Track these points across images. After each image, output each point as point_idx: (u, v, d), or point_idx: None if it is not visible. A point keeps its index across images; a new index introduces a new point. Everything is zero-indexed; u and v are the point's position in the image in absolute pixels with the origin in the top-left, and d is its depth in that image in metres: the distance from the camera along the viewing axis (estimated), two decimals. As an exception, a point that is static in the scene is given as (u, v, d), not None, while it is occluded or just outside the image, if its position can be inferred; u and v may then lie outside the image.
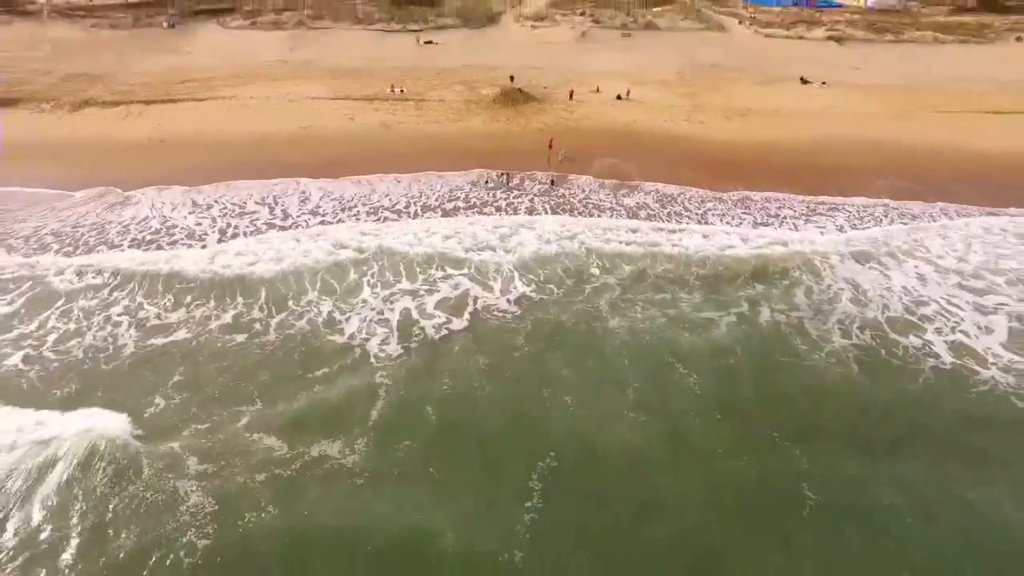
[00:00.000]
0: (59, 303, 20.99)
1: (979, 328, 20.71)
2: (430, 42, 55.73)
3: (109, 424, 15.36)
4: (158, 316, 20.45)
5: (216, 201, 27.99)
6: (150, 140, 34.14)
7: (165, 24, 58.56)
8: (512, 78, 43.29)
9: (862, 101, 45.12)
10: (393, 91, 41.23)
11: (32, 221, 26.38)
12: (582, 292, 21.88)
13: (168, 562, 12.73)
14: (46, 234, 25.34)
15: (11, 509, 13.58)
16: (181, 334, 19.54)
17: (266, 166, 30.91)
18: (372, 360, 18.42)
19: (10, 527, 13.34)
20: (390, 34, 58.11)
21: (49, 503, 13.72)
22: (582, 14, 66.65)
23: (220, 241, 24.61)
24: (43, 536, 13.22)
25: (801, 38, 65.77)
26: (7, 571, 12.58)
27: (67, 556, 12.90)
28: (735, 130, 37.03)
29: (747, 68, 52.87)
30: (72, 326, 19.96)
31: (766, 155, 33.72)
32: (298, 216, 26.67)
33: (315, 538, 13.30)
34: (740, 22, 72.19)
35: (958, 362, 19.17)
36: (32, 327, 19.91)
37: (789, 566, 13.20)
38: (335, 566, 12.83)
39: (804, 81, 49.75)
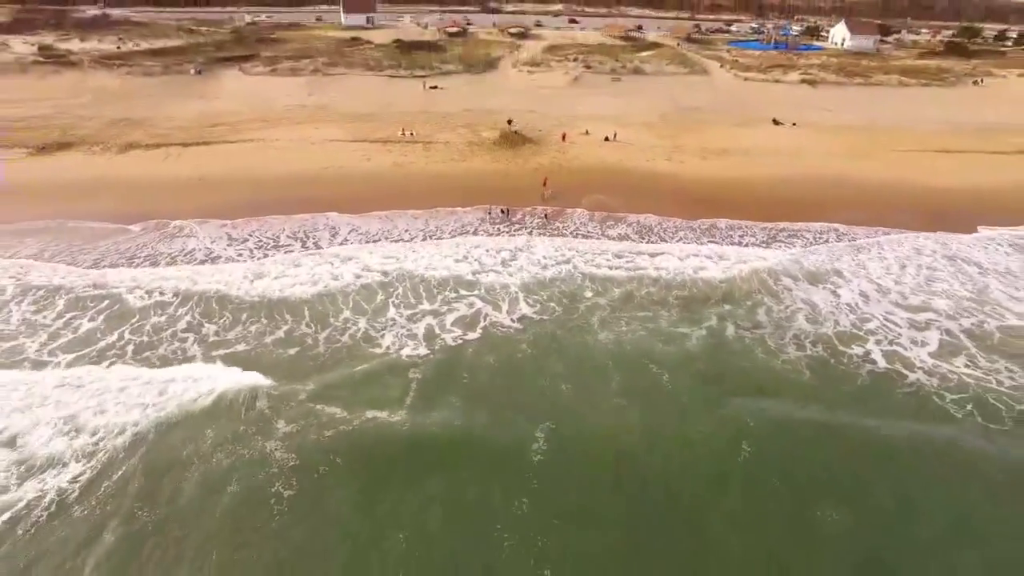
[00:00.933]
0: (134, 319, 25.24)
1: (912, 341, 25.04)
2: (435, 87, 61.68)
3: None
4: (216, 333, 24.64)
5: (250, 235, 32.50)
6: (190, 179, 38.95)
7: (193, 71, 64.53)
8: (510, 122, 48.74)
9: (828, 141, 50.64)
10: (404, 134, 46.55)
11: (99, 250, 30.84)
12: (576, 310, 26.31)
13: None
14: (117, 258, 29.76)
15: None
16: (241, 347, 23.72)
17: (294, 202, 35.66)
18: (405, 359, 22.73)
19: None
20: (398, 79, 64.21)
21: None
22: (575, 60, 73.16)
23: (261, 267, 29.06)
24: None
25: (777, 81, 72.20)
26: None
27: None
28: (710, 168, 42.23)
29: (725, 110, 58.74)
30: (145, 339, 24.14)
31: (736, 190, 38.73)
32: (328, 247, 31.19)
33: (374, 458, 18.01)
34: (722, 65, 78.74)
35: (890, 367, 23.44)
36: (112, 338, 24.09)
37: (729, 506, 17.27)
38: (391, 468, 17.99)
39: (776, 123, 55.48)
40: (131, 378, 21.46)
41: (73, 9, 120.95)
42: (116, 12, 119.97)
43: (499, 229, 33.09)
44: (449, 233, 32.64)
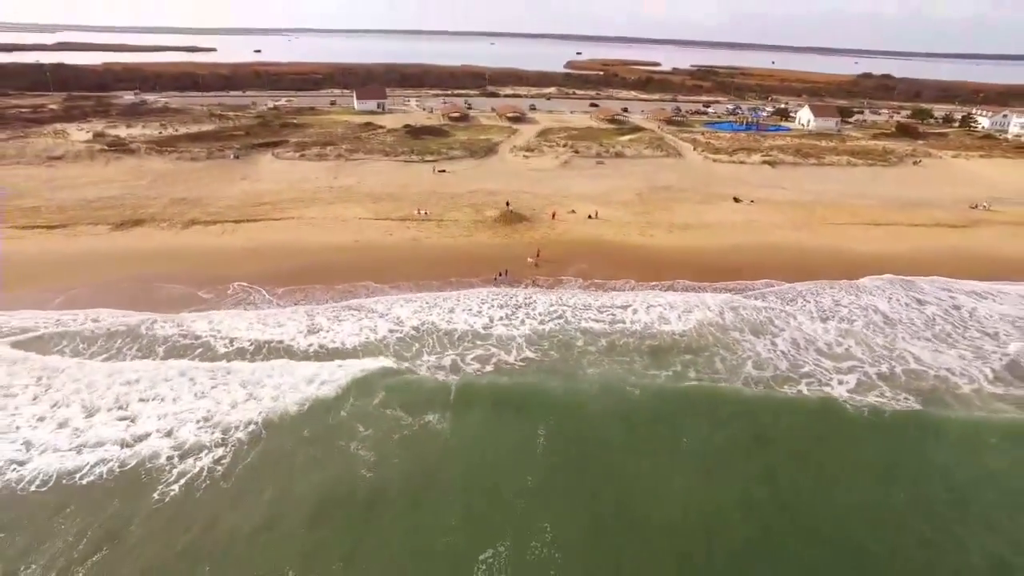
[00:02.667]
0: (222, 361, 33.73)
1: (834, 376, 33.46)
2: (443, 171, 73.39)
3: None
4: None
5: (299, 300, 41.59)
6: (244, 249, 48.58)
7: (232, 156, 76.42)
8: (508, 203, 59.40)
9: (776, 215, 61.52)
10: (419, 213, 56.96)
11: (190, 311, 39.61)
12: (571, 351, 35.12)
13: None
14: (199, 316, 38.59)
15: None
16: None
17: (332, 269, 44.95)
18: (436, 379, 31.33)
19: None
20: (411, 164, 76.12)
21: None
22: (565, 146, 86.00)
23: (315, 327, 37.95)
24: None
25: (742, 163, 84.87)
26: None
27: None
28: (674, 240, 52.49)
29: (693, 189, 70.25)
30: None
31: (694, 257, 48.66)
32: (366, 305, 40.22)
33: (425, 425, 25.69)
34: (695, 148, 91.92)
35: (818, 400, 31.44)
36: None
37: (670, 468, 25.33)
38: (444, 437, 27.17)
39: (736, 200, 66.64)
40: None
41: (112, 96, 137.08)
42: (150, 98, 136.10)
43: (504, 291, 42.37)
44: (463, 295, 41.87)
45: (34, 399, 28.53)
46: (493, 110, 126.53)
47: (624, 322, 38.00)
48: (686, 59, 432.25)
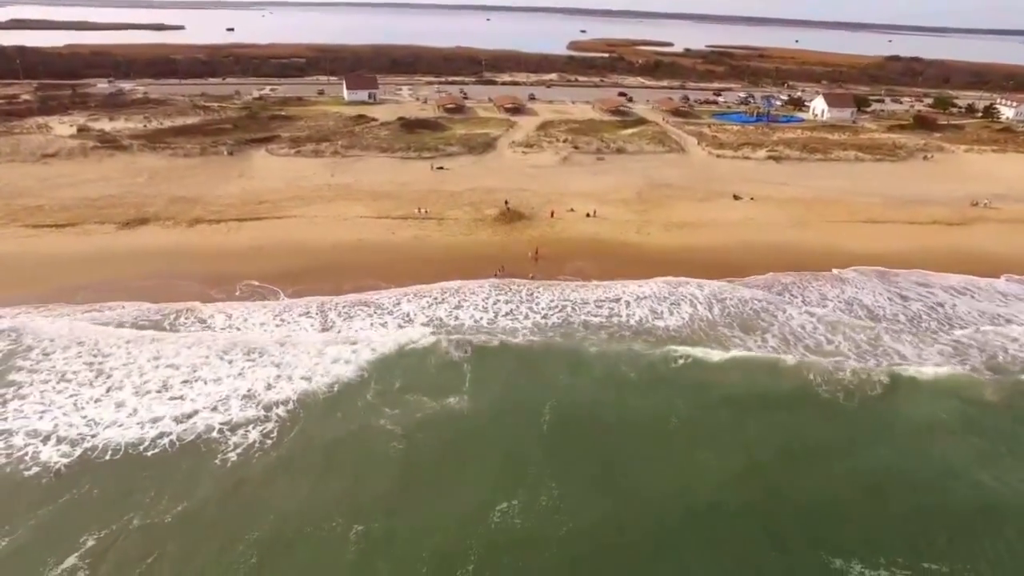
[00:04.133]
0: (245, 348, 40.98)
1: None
2: (441, 168, 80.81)
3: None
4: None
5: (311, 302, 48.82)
6: (250, 248, 55.77)
7: (225, 152, 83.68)
8: (506, 202, 66.81)
9: (775, 213, 69.10)
10: (419, 212, 64.29)
11: (209, 304, 46.87)
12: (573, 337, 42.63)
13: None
14: (219, 309, 45.76)
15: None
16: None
17: (337, 268, 52.07)
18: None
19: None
20: (409, 161, 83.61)
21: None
22: (564, 141, 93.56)
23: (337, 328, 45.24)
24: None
25: (747, 158, 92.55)
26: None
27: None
28: (671, 238, 60.05)
29: (694, 186, 77.80)
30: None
31: (688, 255, 56.12)
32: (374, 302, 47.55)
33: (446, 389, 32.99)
34: (699, 142, 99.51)
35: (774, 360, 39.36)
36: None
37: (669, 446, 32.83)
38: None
39: (736, 197, 74.15)
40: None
41: (86, 84, 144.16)
42: (126, 86, 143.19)
43: (506, 286, 49.71)
44: (468, 291, 49.24)
45: (90, 383, 35.82)
46: (490, 100, 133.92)
47: (620, 315, 45.56)
48: (702, 37, 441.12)
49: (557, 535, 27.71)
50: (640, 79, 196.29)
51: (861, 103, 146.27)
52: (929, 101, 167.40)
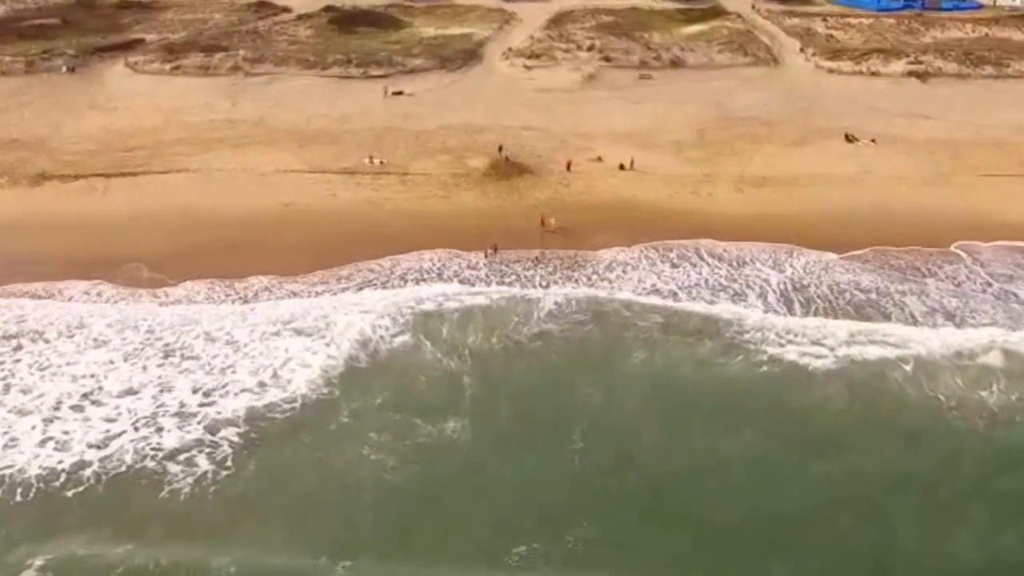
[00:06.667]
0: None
1: None
2: (400, 92, 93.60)
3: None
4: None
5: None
6: (129, 219, 68.41)
7: (64, 68, 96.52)
8: (501, 148, 79.48)
9: (902, 163, 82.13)
10: (372, 162, 77.00)
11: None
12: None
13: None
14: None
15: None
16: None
17: (259, 246, 64.69)
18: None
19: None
20: (349, 82, 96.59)
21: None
22: (590, 49, 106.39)
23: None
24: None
25: (875, 74, 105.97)
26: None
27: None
28: (740, 203, 72.93)
29: (787, 121, 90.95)
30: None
31: (765, 229, 68.75)
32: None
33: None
34: (802, 48, 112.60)
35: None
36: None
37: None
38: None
39: (850, 139, 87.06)
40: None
41: None
42: None
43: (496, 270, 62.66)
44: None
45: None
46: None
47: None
48: None
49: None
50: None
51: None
52: None
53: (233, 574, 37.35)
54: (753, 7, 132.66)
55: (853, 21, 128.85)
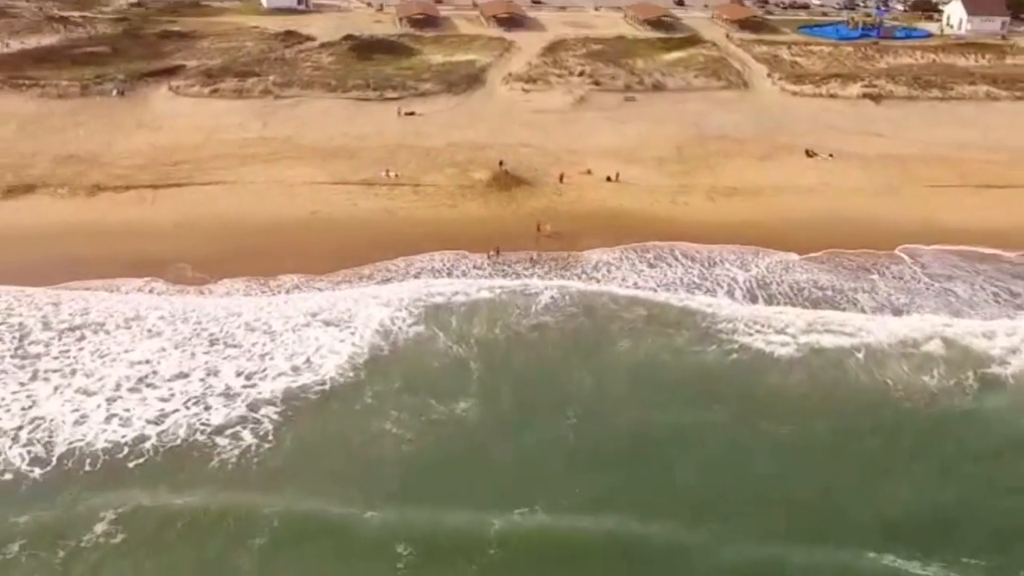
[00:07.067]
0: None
1: None
2: (411, 113, 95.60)
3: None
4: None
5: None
6: (175, 225, 70.38)
7: (114, 91, 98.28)
8: (501, 162, 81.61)
9: (857, 175, 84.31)
10: (387, 175, 79.02)
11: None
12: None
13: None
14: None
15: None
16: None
17: (292, 249, 66.70)
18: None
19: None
20: (367, 104, 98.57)
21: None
22: (581, 74, 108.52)
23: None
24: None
25: (833, 96, 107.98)
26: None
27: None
28: (713, 211, 75.14)
29: (755, 138, 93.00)
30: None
31: (732, 233, 70.94)
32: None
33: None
34: (770, 73, 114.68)
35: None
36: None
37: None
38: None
39: (810, 154, 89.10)
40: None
41: None
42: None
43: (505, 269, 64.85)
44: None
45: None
46: (476, 5, 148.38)
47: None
48: None
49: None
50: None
51: (1020, 7, 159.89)
52: None
53: (276, 522, 40.31)
54: (727, 36, 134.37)
55: (815, 49, 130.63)
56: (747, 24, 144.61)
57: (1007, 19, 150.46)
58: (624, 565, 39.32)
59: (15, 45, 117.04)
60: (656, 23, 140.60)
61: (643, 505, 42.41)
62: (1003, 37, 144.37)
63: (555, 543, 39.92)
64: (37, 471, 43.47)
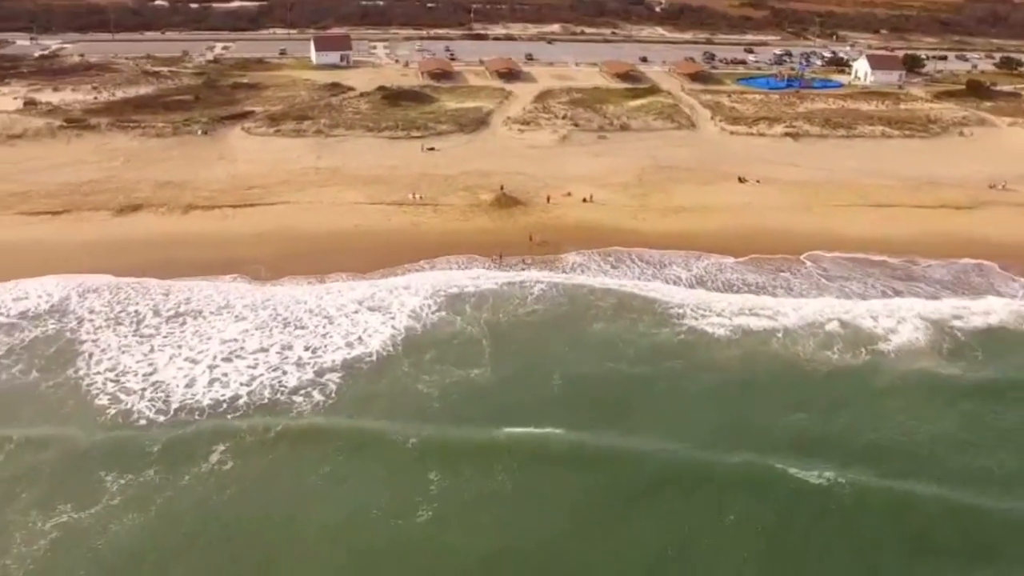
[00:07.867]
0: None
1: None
2: (432, 149, 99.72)
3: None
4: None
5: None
6: (252, 235, 74.51)
7: (199, 132, 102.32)
8: (502, 187, 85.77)
9: (779, 197, 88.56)
10: (413, 197, 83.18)
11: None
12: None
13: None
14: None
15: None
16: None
17: (342, 251, 70.89)
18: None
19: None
20: (397, 141, 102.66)
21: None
22: (564, 117, 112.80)
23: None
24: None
25: (762, 135, 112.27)
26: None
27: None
28: (666, 224, 79.42)
29: (700, 168, 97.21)
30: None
31: (679, 241, 75.33)
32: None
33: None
34: (713, 116, 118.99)
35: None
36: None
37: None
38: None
39: (742, 180, 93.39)
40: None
41: (2, 41, 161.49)
42: (51, 43, 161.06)
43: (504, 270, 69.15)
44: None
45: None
46: (482, 63, 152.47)
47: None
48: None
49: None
50: (660, 30, 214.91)
51: (913, 63, 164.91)
52: (999, 59, 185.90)
53: (342, 445, 47.14)
54: (681, 87, 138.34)
55: (750, 97, 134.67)
56: (697, 77, 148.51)
57: (903, 72, 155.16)
58: (594, 464, 46.95)
59: (119, 94, 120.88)
60: (624, 76, 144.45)
61: (609, 426, 49.64)
62: (900, 87, 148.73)
63: (546, 449, 47.90)
64: (162, 418, 48.19)
